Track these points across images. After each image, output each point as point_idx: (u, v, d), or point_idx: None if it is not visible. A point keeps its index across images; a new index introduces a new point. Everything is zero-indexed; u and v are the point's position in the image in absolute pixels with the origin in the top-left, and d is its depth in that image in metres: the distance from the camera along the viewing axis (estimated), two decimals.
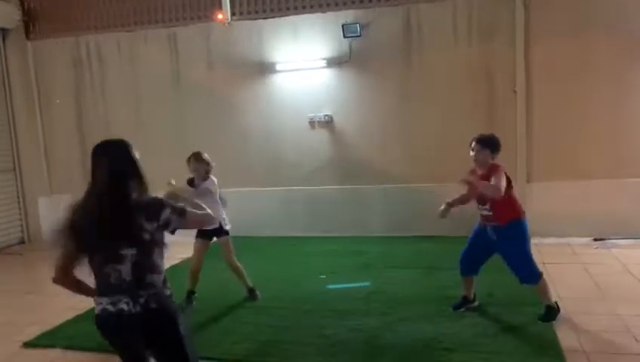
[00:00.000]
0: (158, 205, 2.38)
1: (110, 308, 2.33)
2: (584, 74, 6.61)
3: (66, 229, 2.33)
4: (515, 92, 6.77)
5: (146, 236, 2.32)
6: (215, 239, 5.01)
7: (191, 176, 4.89)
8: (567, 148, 6.73)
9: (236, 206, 7.59)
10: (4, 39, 8.37)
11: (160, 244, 2.40)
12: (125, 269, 2.32)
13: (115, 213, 2.28)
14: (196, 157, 4.86)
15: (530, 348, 3.78)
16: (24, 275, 6.79)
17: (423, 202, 6.56)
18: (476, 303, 4.57)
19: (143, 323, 2.36)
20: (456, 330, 4.15)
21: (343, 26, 7.05)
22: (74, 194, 2.49)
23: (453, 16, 6.92)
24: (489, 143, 4.20)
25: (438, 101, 7.01)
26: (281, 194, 7.67)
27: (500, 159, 7.33)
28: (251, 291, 5.13)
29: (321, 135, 7.53)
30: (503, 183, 4.00)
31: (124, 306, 2.32)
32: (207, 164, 4.88)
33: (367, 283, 5.14)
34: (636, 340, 3.79)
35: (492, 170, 4.10)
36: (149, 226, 2.32)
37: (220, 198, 4.96)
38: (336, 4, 7.27)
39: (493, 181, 3.98)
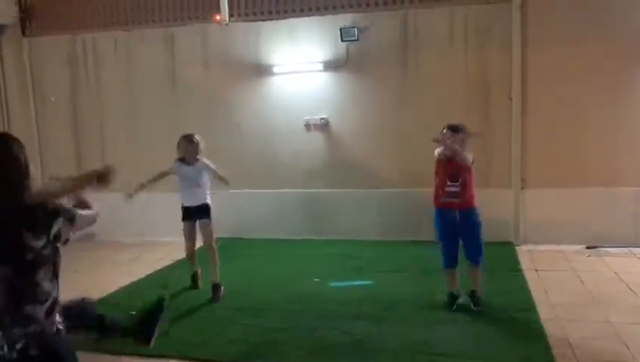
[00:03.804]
0: (49, 216, 1.94)
1: None
2: (580, 81, 6.61)
3: None
4: (510, 99, 6.77)
5: (30, 256, 1.88)
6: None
7: (180, 156, 5.22)
8: (562, 155, 6.73)
9: (231, 208, 7.60)
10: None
11: (48, 262, 1.94)
12: None
13: None
14: (189, 140, 5.17)
15: (520, 354, 3.78)
16: None
17: (418, 207, 6.54)
18: (461, 299, 4.64)
19: None
20: (447, 335, 4.15)
21: (340, 29, 7.04)
22: None
23: (450, 22, 6.93)
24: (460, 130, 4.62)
25: (433, 106, 6.99)
26: (276, 197, 7.64)
27: (495, 166, 7.32)
28: (215, 287, 5.14)
29: (317, 138, 7.51)
30: (470, 157, 4.49)
31: None
32: (199, 145, 5.20)
33: (370, 282, 5.15)
34: (627, 347, 3.80)
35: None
36: (34, 243, 1.89)
37: (220, 177, 5.26)
38: (334, 8, 7.27)
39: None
